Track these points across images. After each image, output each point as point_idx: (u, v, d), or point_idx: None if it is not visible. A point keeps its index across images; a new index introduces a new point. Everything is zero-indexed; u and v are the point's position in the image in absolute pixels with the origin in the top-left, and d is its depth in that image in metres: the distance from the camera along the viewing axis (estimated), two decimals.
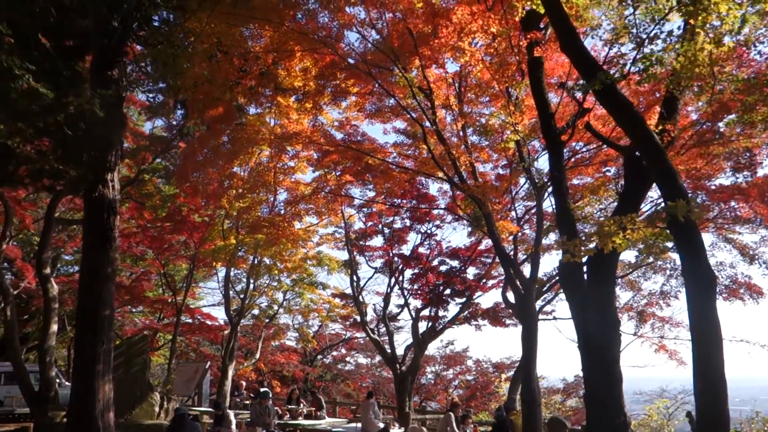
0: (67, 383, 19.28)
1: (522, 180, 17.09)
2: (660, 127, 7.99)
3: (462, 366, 31.58)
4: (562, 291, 16.01)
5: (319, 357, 34.64)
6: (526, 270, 13.84)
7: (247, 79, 12.69)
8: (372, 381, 33.73)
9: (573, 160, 14.71)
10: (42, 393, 17.57)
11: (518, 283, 11.54)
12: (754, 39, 7.07)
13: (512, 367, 30.87)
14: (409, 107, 15.17)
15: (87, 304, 12.64)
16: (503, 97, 13.24)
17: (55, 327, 18.45)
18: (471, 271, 19.55)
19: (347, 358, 36.24)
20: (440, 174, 12.83)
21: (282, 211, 16.93)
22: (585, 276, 9.06)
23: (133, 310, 33.88)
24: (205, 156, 13.26)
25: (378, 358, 34.63)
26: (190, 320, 27.56)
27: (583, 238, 8.12)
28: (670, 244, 7.76)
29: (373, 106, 15.87)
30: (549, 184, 12.64)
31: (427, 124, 16.27)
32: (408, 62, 12.07)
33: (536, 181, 12.03)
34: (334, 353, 35.77)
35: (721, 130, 11.39)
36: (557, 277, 15.22)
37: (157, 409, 17.52)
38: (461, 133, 13.05)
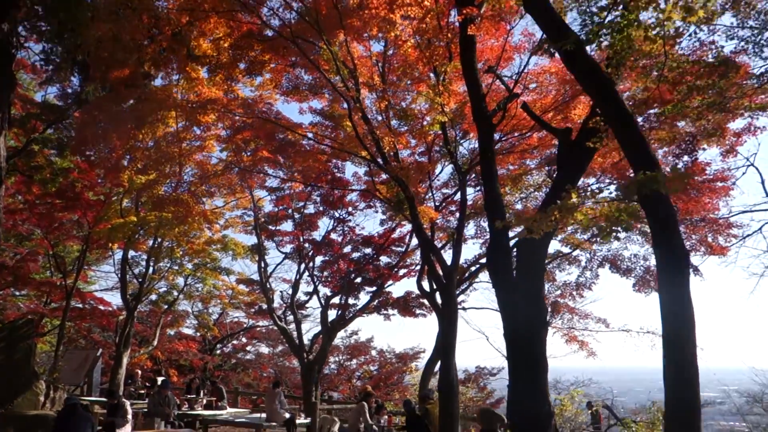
0: None
1: (439, 168, 16.95)
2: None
3: (366, 356, 31.35)
4: (476, 281, 16.02)
5: (218, 346, 33.48)
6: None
7: (156, 43, 11.70)
8: (274, 371, 32.96)
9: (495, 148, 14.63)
10: None
11: (439, 270, 11.26)
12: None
13: (416, 357, 31.00)
14: (328, 86, 14.64)
15: None
16: (427, 81, 12.94)
17: None
18: (383, 260, 19.23)
19: (248, 347, 35.27)
20: (363, 153, 12.34)
21: (188, 190, 15.86)
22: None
23: (17, 293, 31.53)
24: (107, 124, 12.10)
25: (281, 347, 33.91)
26: (81, 305, 25.81)
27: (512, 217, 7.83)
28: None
29: (290, 83, 15.17)
30: (472, 169, 12.45)
31: (345, 105, 15.96)
32: (332, 36, 11.50)
33: (460, 165, 11.78)
34: (235, 342, 34.72)
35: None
36: (476, 266, 15.14)
37: (42, 398, 16.13)
38: (384, 114, 12.62)
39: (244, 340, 34.70)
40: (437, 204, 16.22)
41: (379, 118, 13.61)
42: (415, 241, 18.80)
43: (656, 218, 6.10)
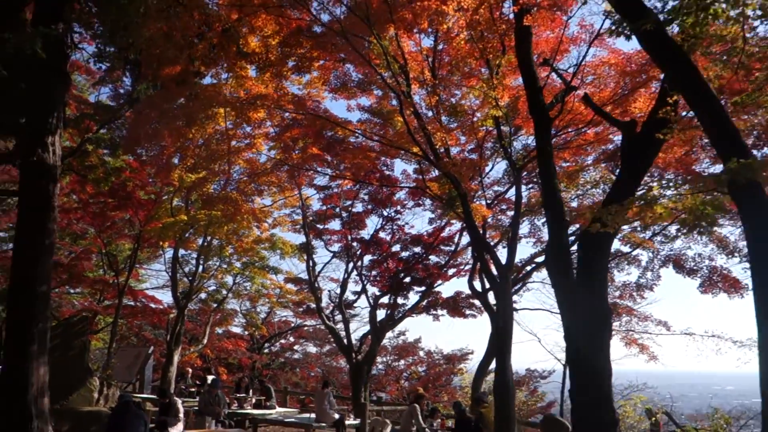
0: None
1: (489, 166, 16.57)
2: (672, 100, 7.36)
3: (414, 357, 31.05)
4: (529, 281, 15.59)
5: (266, 345, 33.63)
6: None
7: (206, 40, 11.65)
8: (321, 370, 32.95)
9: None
10: None
11: (494, 270, 10.92)
12: None
13: (465, 359, 30.57)
14: (377, 83, 14.42)
15: (21, 279, 11.46)
16: (477, 76, 12.61)
17: None
18: (432, 259, 18.94)
19: (296, 347, 35.32)
20: (415, 149, 12.07)
21: (237, 188, 15.80)
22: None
23: (71, 291, 32.23)
24: (158, 122, 12.09)
25: (328, 347, 33.88)
26: (132, 303, 26.20)
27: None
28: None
29: (338, 80, 15.02)
30: (527, 165, 12.07)
31: (395, 102, 15.69)
32: (382, 30, 11.27)
33: (514, 161, 11.41)
34: (282, 341, 34.81)
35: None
36: (532, 265, 14.73)
37: (96, 395, 16.36)
38: (434, 110, 12.33)
39: (291, 339, 34.80)
40: (489, 202, 15.85)
41: (429, 114, 13.34)
42: (465, 240, 18.50)
43: (751, 211, 5.45)
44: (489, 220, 15.60)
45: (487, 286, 15.84)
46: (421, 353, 31.49)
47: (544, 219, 15.57)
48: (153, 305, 27.11)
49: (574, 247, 10.99)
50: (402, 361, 31.63)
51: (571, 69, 11.02)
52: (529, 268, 14.66)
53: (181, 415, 11.89)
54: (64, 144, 21.22)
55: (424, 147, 11.18)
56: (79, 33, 16.02)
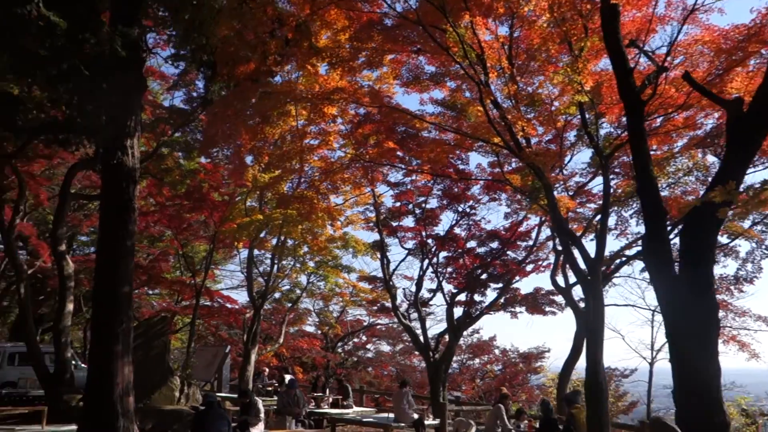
0: (83, 365, 18.46)
1: (567, 158, 15.92)
2: None
3: (489, 355, 30.46)
4: (615, 276, 14.87)
5: (339, 344, 33.69)
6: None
7: (278, 38, 11.53)
8: (395, 369, 32.74)
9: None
10: (57, 375, 16.74)
11: (581, 264, 10.36)
12: None
13: (541, 357, 29.81)
14: (450, 75, 14.04)
15: (104, 281, 11.63)
16: (555, 64, 12.08)
17: (70, 306, 17.60)
18: (509, 255, 18.36)
19: (368, 345, 35.24)
20: (496, 140, 11.61)
21: (311, 187, 15.67)
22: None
23: (150, 292, 33.12)
24: (232, 122, 12.03)
25: (401, 345, 33.67)
26: (209, 303, 26.68)
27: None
28: None
29: (410, 74, 14.69)
30: (614, 153, 11.46)
31: (468, 94, 15.26)
32: (457, 19, 10.88)
33: (601, 148, 10.82)
34: (356, 340, 34.79)
35: None
36: (621, 258, 14.05)
37: (177, 393, 16.56)
38: (513, 99, 11.84)
39: (364, 338, 34.73)
40: (571, 194, 15.20)
41: (506, 104, 12.85)
42: (543, 235, 17.89)
43: None
44: (570, 213, 14.97)
45: (571, 281, 15.23)
46: (496, 351, 30.91)
47: (632, 211, 14.90)
48: (229, 305, 27.56)
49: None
50: (477, 360, 31.10)
51: (661, 49, 10.36)
52: (618, 261, 13.95)
53: (262, 415, 11.83)
54: (140, 149, 21.75)
55: (505, 137, 10.73)
56: (153, 37, 16.29)
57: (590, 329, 9.85)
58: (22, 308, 18.02)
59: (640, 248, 13.61)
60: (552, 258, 16.98)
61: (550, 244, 17.53)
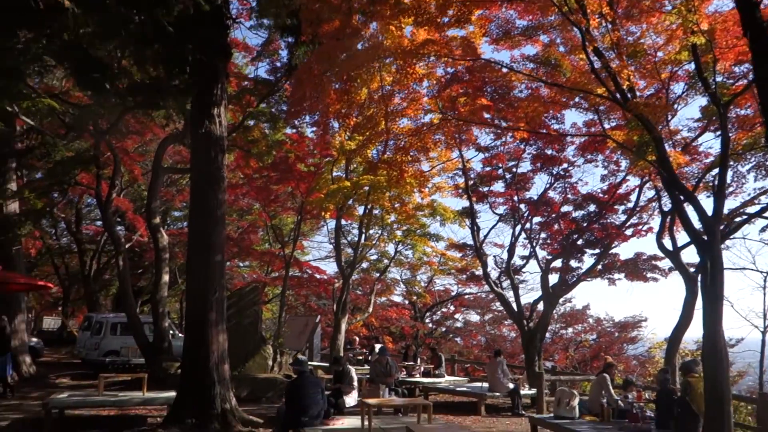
0: (180, 335, 18.96)
1: (672, 114, 14.75)
2: None
3: (583, 324, 29.49)
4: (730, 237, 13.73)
5: (427, 313, 33.48)
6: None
7: None
8: (485, 338, 32.27)
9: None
10: (156, 343, 17.23)
11: (696, 224, 9.50)
12: None
13: (638, 326, 28.61)
14: (544, 28, 13.22)
15: (197, 250, 11.70)
16: (659, 10, 11.07)
17: (166, 277, 18.03)
18: (607, 219, 17.35)
19: (456, 315, 34.88)
20: (600, 90, 10.78)
21: (399, 151, 15.14)
22: None
23: (241, 264, 33.89)
24: (318, 81, 11.60)
25: (489, 315, 33.11)
26: (298, 274, 26.95)
27: None
28: None
29: (499, 29, 13.91)
30: (731, 101, 10.43)
31: (563, 49, 14.37)
32: None
33: (718, 96, 9.83)
34: (444, 309, 34.48)
35: None
36: (743, 216, 12.95)
37: (270, 362, 16.72)
38: (615, 48, 10.93)
39: (452, 308, 34.39)
40: (681, 148, 14.08)
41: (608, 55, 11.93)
42: (645, 196, 16.81)
43: None
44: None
45: (680, 243, 14.23)
46: (590, 320, 29.89)
47: (749, 165, 13.69)
48: (318, 275, 27.81)
49: None
50: (570, 329, 30.21)
51: None
52: (738, 220, 12.82)
53: (355, 383, 11.64)
54: (227, 121, 21.96)
55: (609, 86, 9.90)
56: (236, 8, 16.16)
57: (707, 295, 9.03)
58: (121, 280, 18.61)
59: (765, 204, 12.51)
60: (655, 221, 15.96)
61: (654, 206, 16.48)
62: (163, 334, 17.16)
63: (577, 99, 13.51)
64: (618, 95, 9.82)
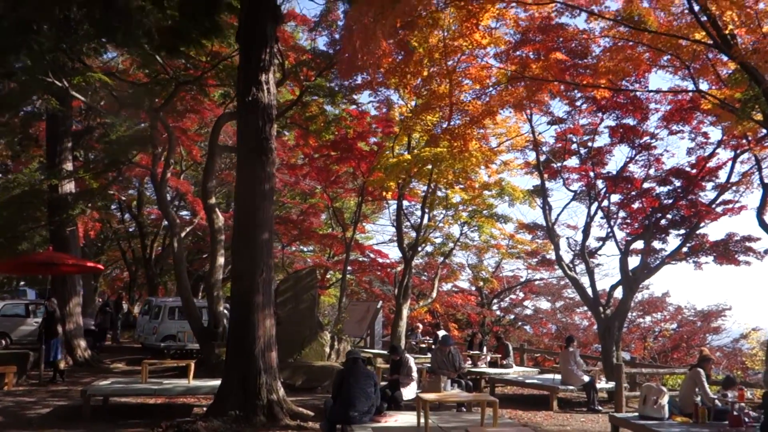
0: None
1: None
2: None
3: (663, 313, 27.53)
4: None
5: (494, 300, 32.13)
6: None
7: None
8: (556, 326, 30.69)
9: None
10: (210, 328, 16.63)
11: None
12: None
13: (721, 315, 26.55)
14: None
15: (242, 227, 10.85)
16: None
17: (221, 260, 17.38)
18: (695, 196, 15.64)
19: (526, 302, 33.36)
20: (698, 36, 9.32)
21: (464, 116, 13.80)
22: None
23: (303, 249, 33.36)
24: (372, 30, 10.38)
25: (561, 302, 31.47)
26: (360, 257, 26.12)
27: None
28: None
29: None
30: None
31: (646, 3, 12.83)
32: None
33: None
34: (512, 296, 33.05)
35: None
36: None
37: (327, 349, 15.91)
38: None
39: (521, 294, 32.93)
40: None
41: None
42: (739, 169, 15.07)
43: None
44: None
45: None
46: (670, 308, 27.89)
47: None
48: (380, 259, 26.95)
49: None
50: (648, 318, 28.25)
51: None
52: None
53: (414, 374, 10.61)
54: (285, 98, 21.19)
55: (710, 31, 8.45)
56: None
57: None
58: (176, 263, 18.10)
59: None
60: (749, 198, 14.29)
61: (750, 180, 14.78)
62: (218, 318, 16.54)
63: (665, 58, 11.93)
64: (720, 42, 8.36)
